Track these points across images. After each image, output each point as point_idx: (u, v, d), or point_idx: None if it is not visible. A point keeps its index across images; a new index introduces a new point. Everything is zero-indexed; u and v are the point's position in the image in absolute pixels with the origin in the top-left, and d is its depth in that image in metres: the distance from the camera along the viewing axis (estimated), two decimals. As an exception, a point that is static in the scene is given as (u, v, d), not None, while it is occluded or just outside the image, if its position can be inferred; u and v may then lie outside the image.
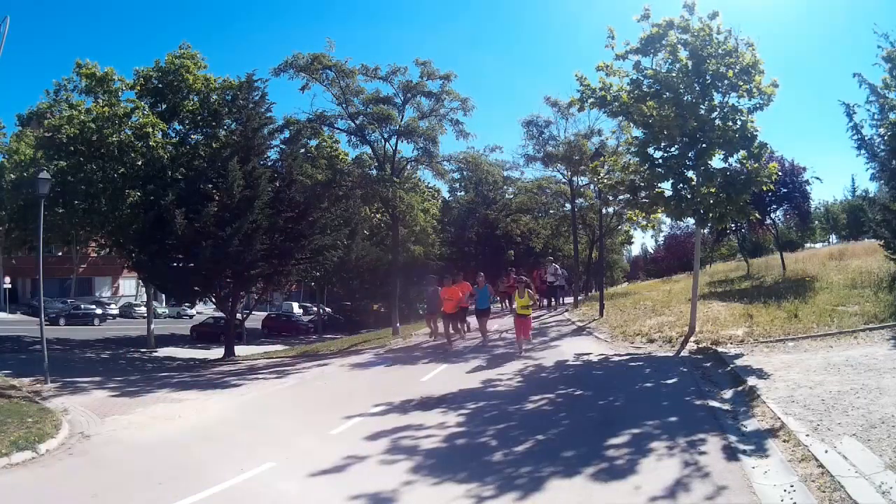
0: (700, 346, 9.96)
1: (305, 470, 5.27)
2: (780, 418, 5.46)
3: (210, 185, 17.86)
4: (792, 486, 4.13)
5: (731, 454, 4.92)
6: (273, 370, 13.24)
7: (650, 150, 11.07)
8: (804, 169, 18.47)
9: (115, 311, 40.73)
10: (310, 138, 22.00)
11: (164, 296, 34.28)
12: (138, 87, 19.17)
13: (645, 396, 7.34)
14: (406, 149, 23.57)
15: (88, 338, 25.34)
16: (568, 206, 26.59)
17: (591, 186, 24.40)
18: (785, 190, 17.98)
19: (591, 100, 11.26)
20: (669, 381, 7.95)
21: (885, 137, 11.39)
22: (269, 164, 19.32)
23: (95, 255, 37.83)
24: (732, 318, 11.62)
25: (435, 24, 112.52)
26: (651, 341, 11.25)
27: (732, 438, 5.30)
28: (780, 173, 13.59)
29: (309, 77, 20.80)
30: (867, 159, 12.47)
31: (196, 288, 17.94)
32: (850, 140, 12.19)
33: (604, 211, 21.53)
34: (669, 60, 10.63)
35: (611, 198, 14.20)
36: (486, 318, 13.24)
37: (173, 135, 19.60)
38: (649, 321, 13.23)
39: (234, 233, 15.67)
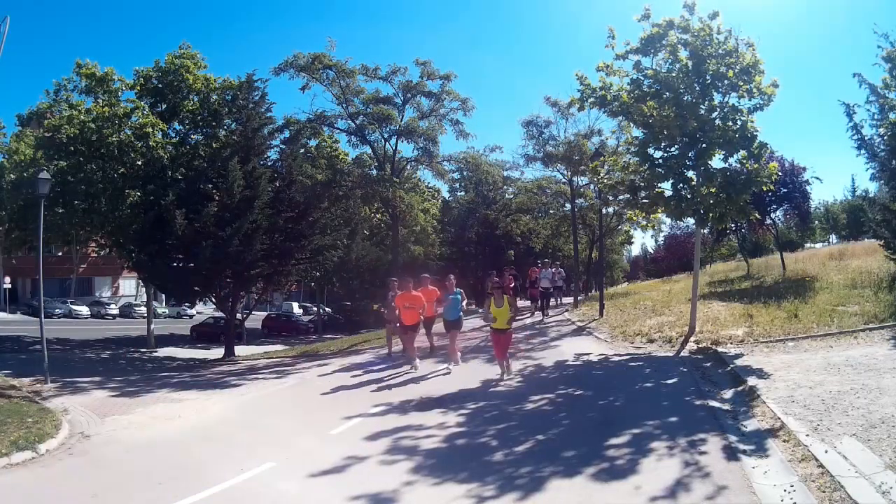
0: (700, 346, 9.96)
1: (305, 470, 5.27)
2: (780, 418, 5.46)
3: (210, 185, 17.85)
4: (792, 486, 4.13)
5: (731, 454, 4.92)
6: (273, 370, 13.21)
7: (650, 150, 11.07)
8: (804, 169, 18.54)
9: (115, 311, 40.78)
10: (310, 138, 22.06)
11: (164, 296, 34.30)
12: (138, 87, 19.18)
13: (645, 396, 7.34)
14: (406, 149, 23.66)
15: (88, 338, 25.32)
16: (568, 206, 26.62)
17: (591, 186, 24.43)
18: (785, 190, 17.99)
19: (592, 99, 11.26)
20: (669, 381, 7.95)
21: (885, 137, 11.39)
22: (269, 164, 19.32)
23: (95, 255, 37.84)
24: (732, 318, 11.61)
25: (435, 24, 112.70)
26: (651, 341, 11.24)
27: (732, 438, 5.30)
28: (780, 173, 13.60)
29: (309, 77, 20.87)
30: (867, 159, 12.50)
31: (196, 288, 17.92)
32: (850, 140, 12.22)
33: (604, 211, 21.51)
34: (670, 60, 10.63)
35: (611, 198, 14.16)
36: (457, 333, 10.18)
37: (173, 135, 19.60)
38: (649, 321, 13.21)
39: (234, 233, 15.67)
